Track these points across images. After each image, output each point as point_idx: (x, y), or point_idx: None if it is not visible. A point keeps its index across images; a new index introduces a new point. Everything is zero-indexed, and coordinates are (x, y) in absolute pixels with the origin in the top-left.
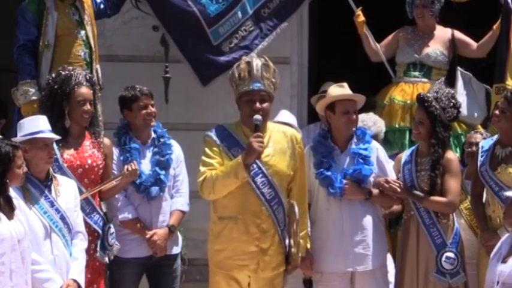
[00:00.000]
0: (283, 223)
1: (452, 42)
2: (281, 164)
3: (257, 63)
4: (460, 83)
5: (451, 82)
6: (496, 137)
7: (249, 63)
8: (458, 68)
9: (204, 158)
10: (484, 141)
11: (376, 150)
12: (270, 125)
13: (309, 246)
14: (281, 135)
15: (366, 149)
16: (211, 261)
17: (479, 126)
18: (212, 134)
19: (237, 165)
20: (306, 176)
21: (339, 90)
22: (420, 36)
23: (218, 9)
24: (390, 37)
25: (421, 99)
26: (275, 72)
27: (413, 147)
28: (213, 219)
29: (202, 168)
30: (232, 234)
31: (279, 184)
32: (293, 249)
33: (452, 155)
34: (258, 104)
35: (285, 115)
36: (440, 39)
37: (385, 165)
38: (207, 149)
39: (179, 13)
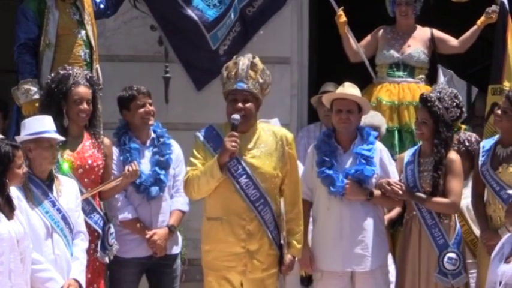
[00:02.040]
0: (273, 224)
1: (432, 41)
2: (267, 166)
3: (243, 62)
4: (441, 80)
5: (432, 80)
6: (497, 136)
7: (236, 63)
8: (439, 65)
9: (190, 158)
10: (485, 141)
11: (380, 152)
12: (260, 125)
13: (310, 244)
14: (270, 136)
15: (368, 150)
16: (203, 261)
17: (462, 126)
18: (200, 135)
19: (212, 164)
20: (299, 177)
21: (340, 89)
22: (400, 36)
23: (216, 14)
24: (369, 37)
25: (424, 99)
26: (264, 72)
27: (415, 147)
28: (203, 219)
29: (187, 169)
30: (218, 235)
31: (265, 185)
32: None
33: (455, 156)
34: (240, 104)
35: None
36: (420, 38)
37: (387, 167)
38: (194, 150)
39: (177, 18)
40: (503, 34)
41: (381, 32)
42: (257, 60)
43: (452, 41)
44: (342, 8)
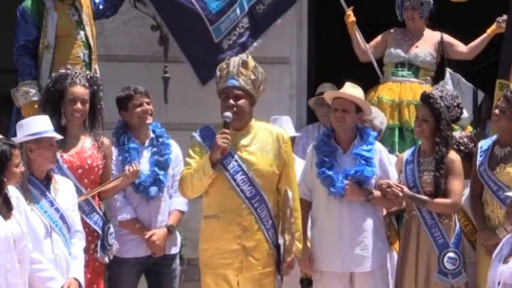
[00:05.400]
0: (270, 222)
1: (441, 45)
2: (263, 163)
3: (235, 60)
4: (448, 83)
5: (439, 83)
6: (495, 137)
7: (228, 63)
8: (447, 68)
9: (186, 158)
10: (483, 141)
11: (379, 152)
12: (257, 123)
13: (309, 245)
14: (267, 134)
15: (368, 151)
16: (200, 260)
17: (469, 127)
18: (196, 135)
19: (204, 162)
20: (295, 176)
21: (342, 89)
22: (409, 37)
23: (219, 6)
24: (379, 38)
25: (426, 97)
26: (256, 69)
27: (414, 147)
28: (202, 219)
29: (183, 168)
30: (214, 233)
31: (261, 182)
32: (287, 243)
33: (455, 156)
34: (231, 101)
35: (284, 123)
36: (429, 40)
37: (387, 167)
38: (190, 150)
39: (182, 11)
40: None
41: (391, 32)
42: (250, 58)
43: (461, 47)
44: (351, 8)
